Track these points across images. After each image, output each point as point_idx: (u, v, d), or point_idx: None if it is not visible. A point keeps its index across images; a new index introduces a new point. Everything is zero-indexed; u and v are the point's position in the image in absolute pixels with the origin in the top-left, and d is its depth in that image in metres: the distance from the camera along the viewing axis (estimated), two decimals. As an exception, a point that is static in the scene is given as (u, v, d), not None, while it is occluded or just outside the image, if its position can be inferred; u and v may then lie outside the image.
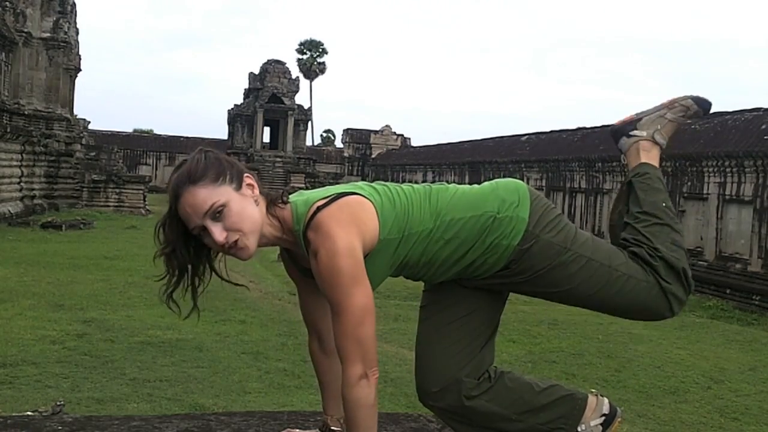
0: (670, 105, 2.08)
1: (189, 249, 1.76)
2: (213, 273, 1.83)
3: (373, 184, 1.88)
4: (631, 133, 2.08)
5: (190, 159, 1.76)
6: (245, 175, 1.77)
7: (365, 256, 1.74)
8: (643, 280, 1.87)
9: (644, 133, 2.07)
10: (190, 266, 1.78)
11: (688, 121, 2.15)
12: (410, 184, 1.93)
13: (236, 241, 1.71)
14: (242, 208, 1.72)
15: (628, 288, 1.86)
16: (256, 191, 1.77)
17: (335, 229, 1.69)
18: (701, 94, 2.09)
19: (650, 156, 2.06)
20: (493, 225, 1.83)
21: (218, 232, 1.69)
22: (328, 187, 1.87)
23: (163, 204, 1.82)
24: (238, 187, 1.74)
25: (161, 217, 1.77)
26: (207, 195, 1.69)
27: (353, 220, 1.72)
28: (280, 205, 1.79)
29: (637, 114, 2.11)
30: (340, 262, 1.67)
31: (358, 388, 1.69)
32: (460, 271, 1.86)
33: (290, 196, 1.83)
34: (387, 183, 1.89)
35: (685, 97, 2.09)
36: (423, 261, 1.84)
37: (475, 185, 1.96)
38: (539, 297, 1.95)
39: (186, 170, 1.72)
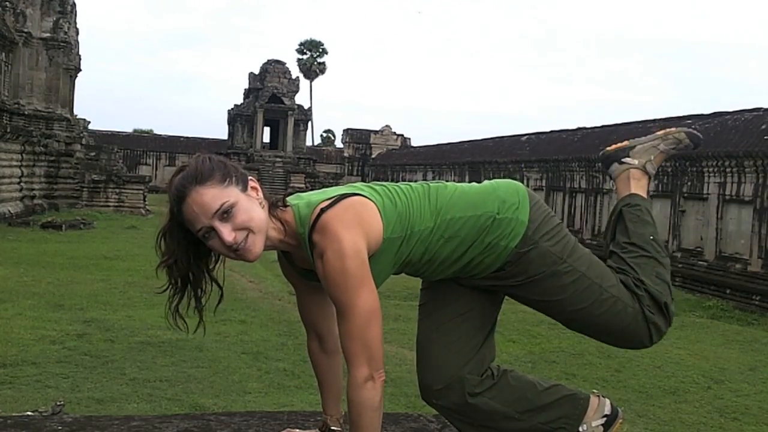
0: (664, 136, 2.13)
1: (190, 258, 1.76)
2: (213, 283, 1.82)
3: (371, 184, 1.88)
4: (624, 160, 2.11)
5: (195, 161, 1.74)
6: (249, 178, 1.77)
7: (370, 257, 1.74)
8: (630, 306, 1.88)
9: (636, 162, 2.10)
10: (191, 276, 1.78)
11: (677, 153, 2.20)
12: (408, 183, 1.93)
13: (244, 240, 1.70)
14: (250, 207, 1.72)
15: (614, 310, 1.87)
16: (260, 194, 1.77)
17: (341, 230, 1.69)
18: (695, 131, 2.14)
19: (640, 185, 2.09)
20: (492, 225, 1.84)
21: (227, 232, 1.68)
22: (325, 189, 1.87)
23: (163, 204, 1.80)
24: (244, 189, 1.74)
25: (161, 227, 1.75)
26: (216, 194, 1.68)
27: (358, 221, 1.72)
28: (281, 208, 1.79)
29: (630, 142, 2.15)
30: (347, 263, 1.67)
31: (364, 390, 1.69)
32: (458, 270, 1.87)
33: (288, 199, 1.83)
34: (385, 183, 1.89)
35: (679, 131, 2.14)
36: (425, 259, 1.84)
37: (474, 184, 1.96)
38: (528, 304, 1.96)
39: (192, 171, 1.71)
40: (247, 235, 1.70)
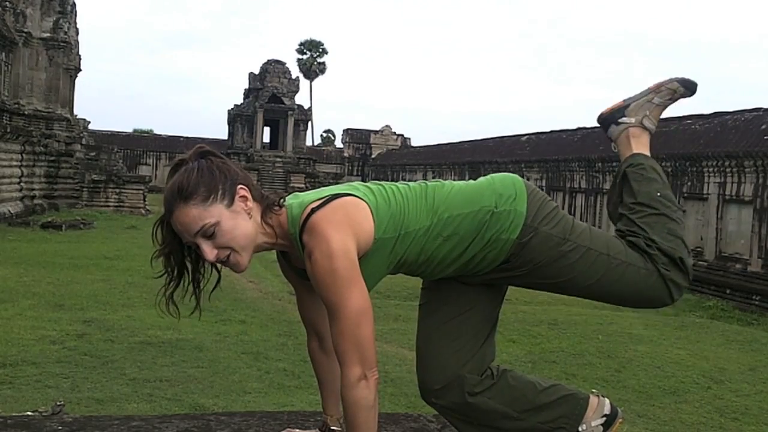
0: (657, 89, 2.07)
1: (186, 248, 1.77)
2: (212, 268, 1.83)
3: (368, 184, 1.88)
4: (620, 120, 2.07)
5: (183, 170, 1.73)
6: (238, 187, 1.74)
7: (361, 257, 1.74)
8: (643, 268, 1.86)
9: (633, 120, 2.06)
10: (189, 264, 1.78)
11: (675, 103, 2.14)
12: (406, 182, 1.92)
13: (227, 258, 1.72)
14: (233, 226, 1.71)
15: (627, 275, 1.86)
16: (250, 203, 1.75)
17: (329, 230, 1.69)
18: (686, 76, 2.07)
19: (640, 143, 2.05)
20: (491, 220, 1.83)
21: (209, 251, 1.70)
22: (322, 188, 1.86)
23: (162, 204, 1.80)
24: (230, 203, 1.72)
25: (159, 217, 1.77)
26: (197, 215, 1.68)
27: (347, 221, 1.72)
28: (275, 210, 1.79)
29: (624, 100, 2.10)
30: (335, 263, 1.67)
31: (358, 390, 1.69)
32: (460, 267, 1.86)
33: (285, 198, 1.83)
34: (382, 182, 1.88)
35: (671, 80, 2.07)
36: (421, 259, 1.84)
37: (471, 181, 1.95)
38: (540, 288, 1.95)
39: (177, 185, 1.70)
40: (230, 254, 1.72)
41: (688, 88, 2.06)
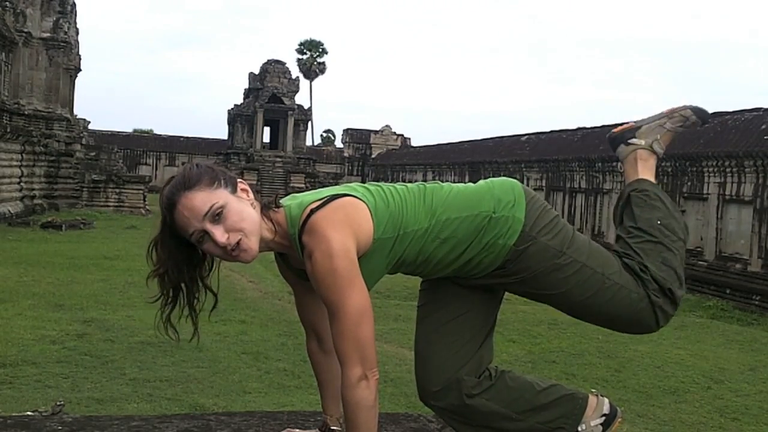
0: (670, 114, 2.09)
1: (182, 268, 1.76)
2: (206, 292, 1.83)
3: (366, 184, 1.89)
4: (630, 141, 2.09)
5: (182, 170, 1.76)
6: (238, 180, 1.78)
7: (361, 257, 1.74)
8: (634, 291, 1.86)
9: (643, 142, 2.07)
10: (184, 286, 1.78)
11: (686, 131, 2.16)
12: (404, 183, 1.93)
13: (238, 243, 1.71)
14: (241, 208, 1.73)
15: (618, 297, 1.86)
16: (251, 195, 1.78)
17: (329, 231, 1.70)
18: (700, 105, 2.10)
19: (647, 167, 2.06)
20: (489, 224, 1.83)
21: (220, 234, 1.69)
22: (320, 189, 1.87)
23: (161, 206, 1.81)
24: (234, 191, 1.75)
25: (152, 238, 1.76)
26: (205, 197, 1.69)
27: (347, 222, 1.73)
28: (273, 209, 1.80)
29: (636, 122, 2.12)
30: (335, 263, 1.68)
31: (358, 390, 1.70)
32: (457, 269, 1.87)
33: (283, 200, 1.84)
34: (381, 183, 1.90)
35: (684, 107, 2.10)
36: (420, 260, 1.84)
37: (470, 184, 1.95)
38: (531, 298, 1.95)
39: (180, 178, 1.73)
40: (240, 237, 1.71)
41: (700, 116, 2.09)
